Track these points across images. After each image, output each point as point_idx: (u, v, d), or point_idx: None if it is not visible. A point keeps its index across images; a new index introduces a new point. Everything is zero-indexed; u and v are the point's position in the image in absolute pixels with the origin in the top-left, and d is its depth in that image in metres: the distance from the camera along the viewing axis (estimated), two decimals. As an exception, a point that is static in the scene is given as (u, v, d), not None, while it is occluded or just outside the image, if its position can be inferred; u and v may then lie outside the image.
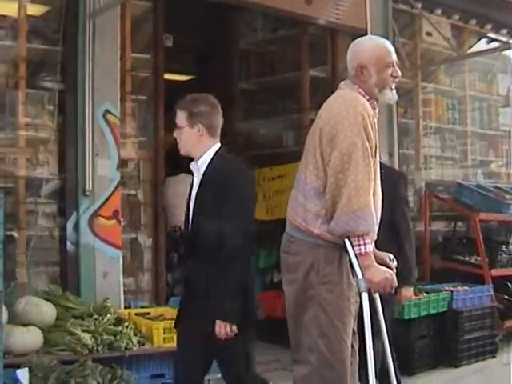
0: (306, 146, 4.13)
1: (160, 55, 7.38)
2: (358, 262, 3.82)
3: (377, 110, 4.13)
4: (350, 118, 3.84)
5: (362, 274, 3.81)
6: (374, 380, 3.78)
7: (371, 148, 3.86)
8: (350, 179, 3.75)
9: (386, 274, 3.86)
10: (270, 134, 10.05)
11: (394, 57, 4.14)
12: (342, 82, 4.21)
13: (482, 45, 11.48)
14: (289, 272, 4.08)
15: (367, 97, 4.09)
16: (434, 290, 7.98)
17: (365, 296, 3.83)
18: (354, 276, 3.97)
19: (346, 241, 3.82)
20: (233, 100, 10.19)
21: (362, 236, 3.80)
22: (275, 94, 9.89)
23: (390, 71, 4.11)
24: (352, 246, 3.82)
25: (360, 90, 4.09)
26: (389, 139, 9.11)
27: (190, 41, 9.81)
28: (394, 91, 4.15)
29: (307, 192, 3.98)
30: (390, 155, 9.08)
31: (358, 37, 8.27)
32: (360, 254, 3.81)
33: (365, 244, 3.81)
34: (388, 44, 4.19)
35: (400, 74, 4.16)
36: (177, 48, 8.48)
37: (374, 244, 3.96)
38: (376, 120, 4.01)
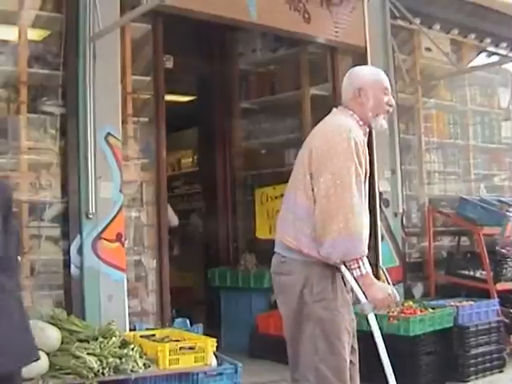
0: (295, 167, 4.22)
1: (160, 77, 7.40)
2: (358, 284, 3.90)
3: (367, 136, 4.25)
4: (343, 143, 3.94)
5: (366, 297, 3.89)
6: None
7: (361, 174, 3.97)
8: (344, 202, 3.84)
9: (388, 290, 3.97)
10: (271, 153, 10.09)
11: (389, 87, 4.32)
12: (334, 109, 4.33)
13: (482, 59, 11.52)
14: (283, 292, 4.14)
15: (361, 122, 4.24)
16: (439, 306, 7.95)
17: (372, 316, 3.91)
18: (348, 292, 4.04)
19: (342, 267, 3.89)
20: (234, 120, 10.24)
21: (360, 258, 3.87)
22: (276, 113, 9.91)
23: (386, 98, 4.26)
24: (350, 270, 3.89)
25: (355, 115, 4.23)
26: (391, 156, 9.13)
27: (191, 62, 9.86)
28: (386, 120, 4.29)
29: (298, 211, 4.05)
30: (393, 172, 9.09)
31: (358, 54, 8.42)
32: (361, 275, 3.89)
33: (364, 264, 3.89)
34: (384, 73, 4.38)
35: (394, 103, 4.32)
36: (177, 69, 8.51)
37: None
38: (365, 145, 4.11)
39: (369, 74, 4.33)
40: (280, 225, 4.23)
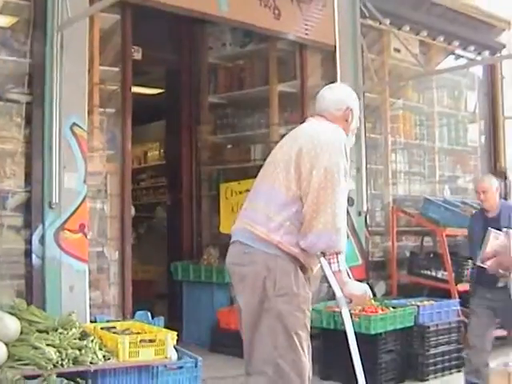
0: (273, 160, 4.27)
1: (128, 68, 7.36)
2: (336, 279, 3.96)
3: None
4: (335, 142, 4.10)
5: (342, 291, 3.96)
6: None
7: (348, 174, 4.16)
8: (332, 197, 3.97)
9: (364, 287, 4.11)
10: (238, 148, 10.07)
11: None
12: (311, 118, 4.49)
13: (450, 61, 11.59)
14: (243, 283, 4.12)
15: None
16: (400, 305, 7.99)
17: (346, 311, 3.97)
18: (310, 290, 4.08)
19: (323, 259, 3.96)
20: (201, 114, 10.21)
21: (339, 253, 4.00)
22: (244, 108, 9.89)
23: (358, 121, 4.55)
24: (329, 264, 3.98)
25: (329, 123, 4.35)
26: (357, 154, 9.14)
27: (160, 54, 9.81)
28: None
29: (273, 202, 4.09)
30: (358, 170, 9.12)
31: (327, 52, 8.41)
32: (339, 270, 3.99)
33: (342, 261, 4.01)
34: None
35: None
36: (146, 61, 8.47)
37: None
38: None
39: (354, 97, 4.55)
40: (247, 214, 4.24)
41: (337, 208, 3.97)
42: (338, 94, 4.50)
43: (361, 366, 3.95)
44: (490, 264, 2.87)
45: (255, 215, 4.15)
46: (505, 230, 3.16)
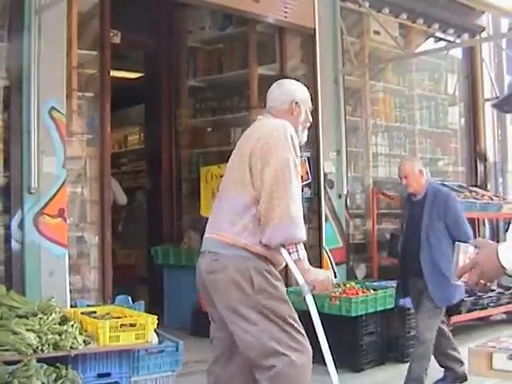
0: (229, 165, 4.39)
1: (107, 52, 7.31)
2: (297, 267, 4.05)
3: None
4: (281, 137, 4.17)
5: (304, 279, 4.06)
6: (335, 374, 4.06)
7: (298, 165, 4.21)
8: (284, 191, 4.04)
9: (327, 273, 4.22)
10: (217, 131, 10.06)
11: None
12: (260, 116, 4.56)
13: (430, 44, 11.60)
14: (219, 290, 4.18)
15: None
16: (381, 287, 8.03)
17: (309, 297, 4.05)
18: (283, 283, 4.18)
19: (283, 249, 4.05)
20: (181, 97, 10.19)
21: (298, 243, 4.07)
22: (223, 91, 9.87)
23: (309, 115, 4.61)
24: (289, 254, 4.06)
25: (275, 118, 4.43)
26: (337, 137, 9.17)
27: (139, 38, 9.78)
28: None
29: (234, 206, 4.19)
30: (338, 153, 9.14)
31: (307, 35, 8.41)
32: (299, 259, 4.07)
33: (301, 249, 4.09)
34: None
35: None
36: (125, 45, 8.43)
37: None
38: None
39: (301, 90, 4.62)
40: (212, 224, 4.33)
41: (290, 201, 4.05)
42: (284, 89, 4.57)
43: (329, 350, 4.04)
44: (468, 278, 2.87)
45: (219, 223, 4.24)
46: (471, 241, 3.19)
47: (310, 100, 4.66)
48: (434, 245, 6.50)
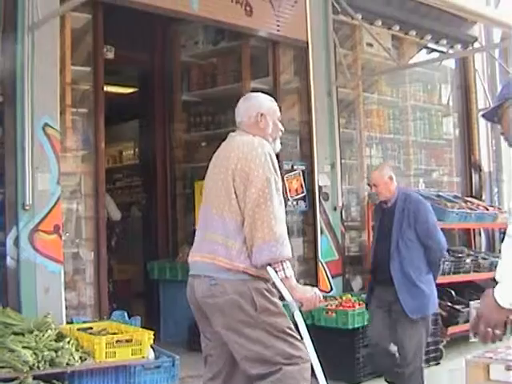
0: (210, 185, 4.43)
1: (100, 67, 7.33)
2: (284, 285, 4.10)
3: None
4: (260, 157, 4.23)
5: (292, 296, 4.12)
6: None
7: (279, 183, 4.27)
8: (267, 211, 4.10)
9: (313, 290, 4.26)
10: (212, 145, 10.04)
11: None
12: (233, 133, 4.59)
13: (423, 55, 11.64)
14: (220, 313, 4.22)
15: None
16: (377, 299, 8.01)
17: (298, 313, 4.13)
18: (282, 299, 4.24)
19: (269, 268, 4.09)
20: (175, 112, 10.20)
21: (285, 261, 4.11)
22: (217, 105, 9.88)
23: (279, 124, 4.63)
24: (276, 272, 4.10)
25: (252, 136, 4.45)
26: (331, 150, 9.20)
27: (132, 53, 9.79)
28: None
29: (227, 230, 4.23)
30: (333, 166, 9.16)
31: (300, 48, 8.46)
32: (285, 277, 4.11)
33: (288, 268, 4.12)
34: None
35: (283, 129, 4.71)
36: (119, 60, 8.45)
37: None
38: None
39: (266, 102, 4.66)
40: (204, 247, 4.34)
41: (272, 220, 4.09)
42: (248, 102, 4.63)
43: (319, 364, 4.11)
44: (478, 331, 2.86)
45: (212, 247, 4.26)
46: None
47: (277, 110, 4.68)
48: (404, 253, 6.30)
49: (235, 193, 4.21)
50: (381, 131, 10.77)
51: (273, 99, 4.73)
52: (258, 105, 4.59)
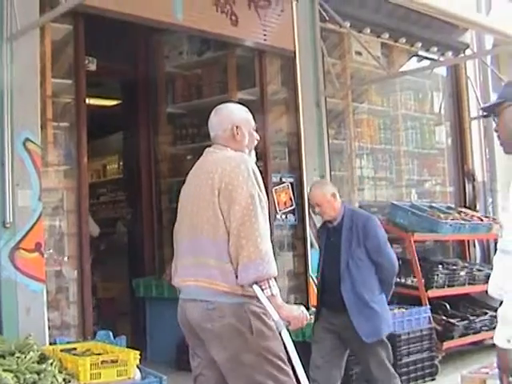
0: (193, 201, 4.39)
1: (82, 80, 7.30)
2: (271, 304, 4.07)
3: None
4: (243, 173, 4.20)
5: (279, 315, 4.08)
6: None
7: (263, 199, 4.24)
8: (252, 229, 4.07)
9: (300, 308, 4.26)
10: (198, 158, 10.03)
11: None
12: (210, 148, 4.56)
13: (413, 63, 11.67)
14: (219, 339, 4.21)
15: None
16: (370, 314, 7.99)
17: (286, 332, 4.08)
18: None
19: (256, 287, 4.07)
20: (159, 124, 10.18)
21: (271, 278, 4.10)
22: (203, 117, 9.65)
23: (255, 134, 4.60)
24: (262, 291, 4.08)
25: (232, 151, 4.44)
26: (320, 161, 9.20)
27: (115, 64, 9.77)
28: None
29: (221, 253, 4.19)
30: (322, 177, 9.14)
31: (287, 58, 8.44)
32: (272, 295, 4.09)
33: (274, 286, 4.11)
34: None
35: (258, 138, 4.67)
36: (101, 72, 8.43)
37: None
38: None
39: (241, 112, 4.62)
40: (200, 272, 4.28)
41: (258, 238, 4.07)
42: (221, 115, 4.57)
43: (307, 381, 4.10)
44: None
45: (211, 272, 4.21)
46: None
47: (251, 119, 4.64)
48: (355, 274, 6.07)
49: (222, 213, 4.18)
50: (371, 141, 10.80)
51: (246, 108, 4.70)
52: (231, 116, 4.55)
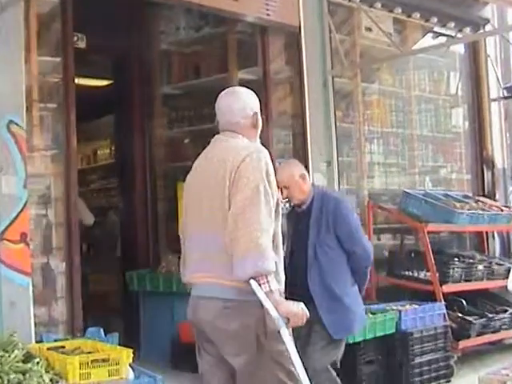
0: (201, 193, 4.39)
1: (70, 58, 7.29)
2: (269, 300, 4.06)
3: None
4: (253, 163, 4.20)
5: (278, 311, 4.06)
6: None
7: (270, 192, 4.20)
8: (251, 220, 4.07)
9: (300, 305, 4.20)
10: (196, 142, 10.05)
11: None
12: (220, 136, 4.54)
13: (428, 40, 11.64)
14: (234, 340, 4.24)
15: None
16: (380, 310, 8.02)
17: (285, 331, 4.08)
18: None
19: (253, 282, 4.06)
20: (155, 106, 10.18)
21: (270, 274, 4.08)
22: (201, 98, 9.83)
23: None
24: (259, 286, 4.06)
25: (245, 139, 4.47)
26: (327, 146, 9.19)
27: (106, 41, 9.75)
28: None
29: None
30: (329, 164, 9.17)
31: (291, 34, 8.39)
32: (270, 291, 4.07)
33: (272, 280, 4.09)
34: None
35: None
36: (91, 49, 8.43)
37: None
38: None
39: (255, 98, 4.61)
40: (213, 268, 4.29)
41: (258, 232, 4.05)
42: (244, 101, 4.54)
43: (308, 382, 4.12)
44: None
45: (226, 268, 4.18)
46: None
47: None
48: (323, 263, 5.92)
49: (230, 206, 4.19)
50: (382, 125, 10.79)
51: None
52: (252, 102, 4.55)
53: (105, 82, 11.90)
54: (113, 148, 12.98)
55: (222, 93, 4.64)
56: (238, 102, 4.52)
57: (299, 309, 4.18)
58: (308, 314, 4.24)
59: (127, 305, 10.10)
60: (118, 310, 10.51)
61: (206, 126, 9.63)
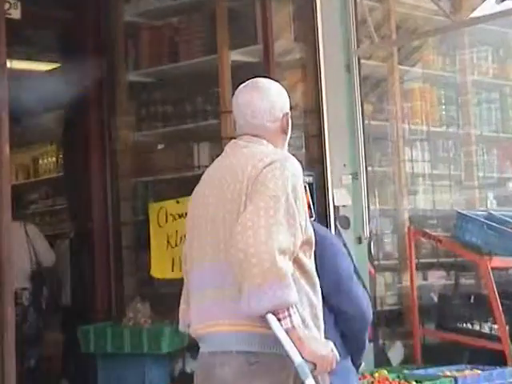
0: (217, 225, 4.34)
1: (1, 32, 7.35)
2: (290, 339, 4.00)
3: None
4: (275, 171, 4.18)
5: (301, 355, 3.99)
6: None
7: (295, 208, 4.15)
8: (267, 236, 3.99)
9: (329, 344, 4.17)
10: (174, 148, 10.08)
11: None
12: (239, 141, 4.52)
13: (491, 6, 11.68)
14: None
15: None
16: (429, 377, 8.03)
17: (311, 382, 4.00)
18: None
19: (271, 317, 4.00)
20: (117, 100, 10.22)
21: (292, 306, 4.03)
22: (181, 89, 9.91)
23: None
24: (279, 321, 4.00)
25: (270, 146, 4.48)
26: (351, 152, 9.22)
27: (49, 11, 9.79)
28: None
29: None
30: (355, 176, 9.17)
31: (302, 1, 8.41)
32: (293, 327, 4.01)
33: (295, 314, 4.03)
34: None
35: None
36: (28, 22, 8.46)
37: None
38: None
39: (285, 92, 4.63)
40: (228, 310, 4.25)
41: (275, 250, 3.99)
42: (272, 100, 4.55)
43: None
44: None
45: (234, 309, 4.17)
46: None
47: None
48: None
49: None
50: (428, 122, 10.82)
51: None
52: (283, 101, 4.57)
53: (48, 66, 11.93)
54: (60, 156, 13.00)
55: (241, 86, 4.61)
56: (265, 100, 4.52)
57: (328, 350, 4.14)
58: (338, 357, 4.20)
59: (79, 372, 10.11)
60: (70, 379, 10.51)
61: (188, 127, 9.70)
